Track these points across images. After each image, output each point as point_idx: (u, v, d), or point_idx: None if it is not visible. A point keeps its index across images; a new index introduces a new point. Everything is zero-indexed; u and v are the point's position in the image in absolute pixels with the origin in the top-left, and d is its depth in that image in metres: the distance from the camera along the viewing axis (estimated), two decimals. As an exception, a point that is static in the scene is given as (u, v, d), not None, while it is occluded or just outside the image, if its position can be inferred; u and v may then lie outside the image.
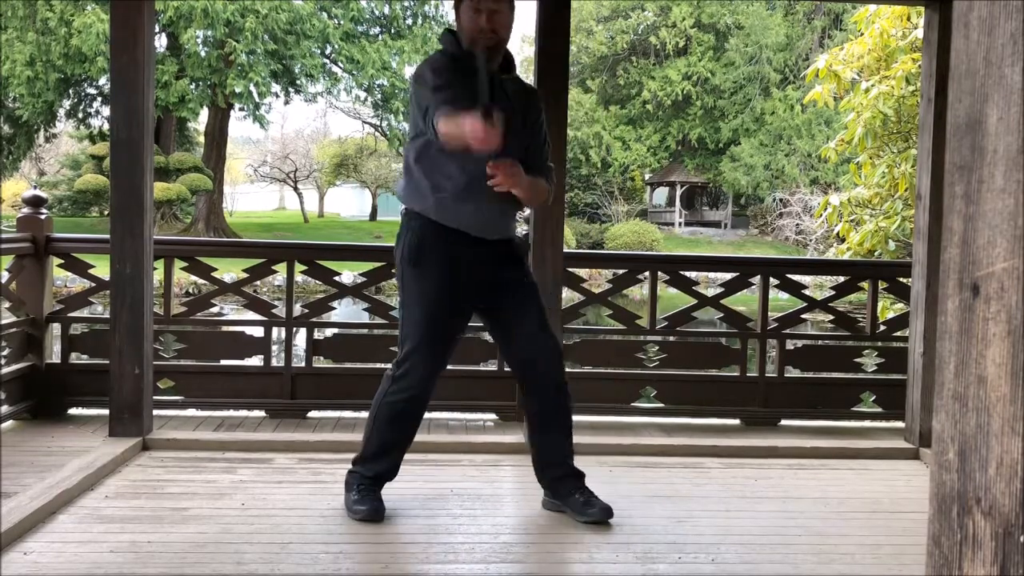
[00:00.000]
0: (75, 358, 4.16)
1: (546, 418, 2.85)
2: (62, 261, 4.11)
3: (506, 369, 4.19)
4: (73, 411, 4.06)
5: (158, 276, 3.82)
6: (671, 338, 4.37)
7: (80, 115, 25.50)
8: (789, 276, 4.38)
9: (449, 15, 26.84)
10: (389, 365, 4.27)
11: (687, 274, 4.41)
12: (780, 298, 4.81)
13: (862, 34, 6.45)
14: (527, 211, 3.52)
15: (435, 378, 2.76)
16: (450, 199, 2.68)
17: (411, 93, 2.73)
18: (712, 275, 11.38)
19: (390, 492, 2.96)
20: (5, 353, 3.83)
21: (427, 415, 4.17)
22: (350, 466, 2.84)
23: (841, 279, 4.49)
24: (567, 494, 2.82)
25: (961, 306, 0.88)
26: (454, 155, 2.60)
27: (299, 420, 4.10)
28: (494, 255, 2.76)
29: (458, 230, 2.69)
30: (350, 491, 2.80)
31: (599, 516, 2.76)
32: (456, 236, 2.69)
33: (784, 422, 4.26)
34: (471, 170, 2.63)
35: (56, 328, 4.14)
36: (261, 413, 4.17)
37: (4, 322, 3.86)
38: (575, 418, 4.08)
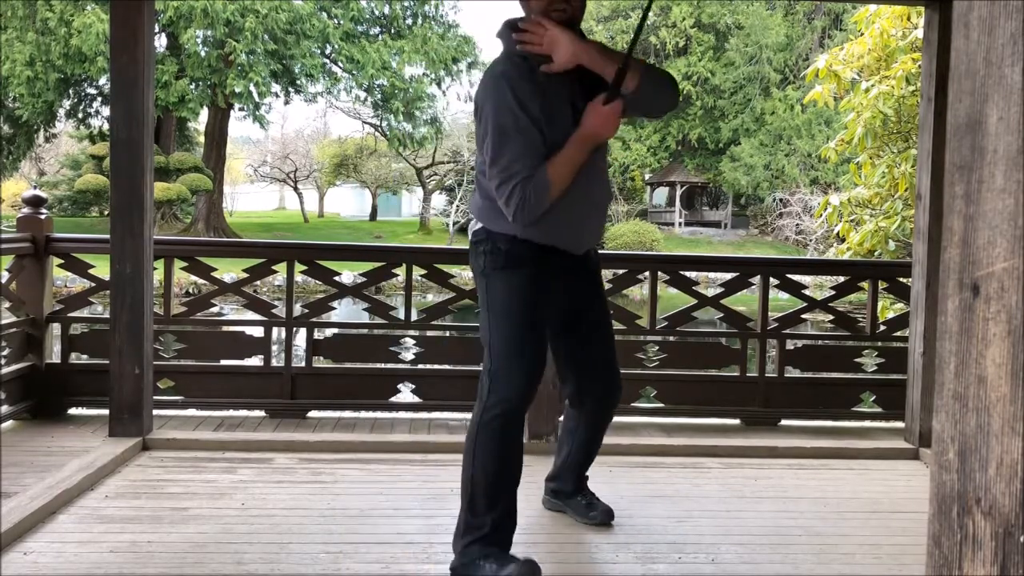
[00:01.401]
0: (75, 358, 4.16)
1: (586, 445, 2.80)
2: (62, 261, 4.11)
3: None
4: (73, 411, 4.06)
5: (158, 276, 3.82)
6: (671, 338, 4.37)
7: (80, 115, 25.51)
8: (789, 276, 4.38)
9: (449, 15, 26.86)
10: (383, 364, 4.33)
11: (687, 274, 4.41)
12: (780, 298, 4.81)
13: (862, 34, 6.45)
14: None
15: (529, 397, 2.39)
16: (548, 212, 2.37)
17: (485, 122, 2.33)
18: (712, 275, 11.39)
19: (391, 492, 2.96)
20: (5, 353, 3.83)
21: (427, 415, 4.22)
22: (461, 546, 2.34)
23: (841, 279, 4.48)
24: (570, 496, 2.85)
25: (961, 306, 0.88)
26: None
27: (299, 420, 4.10)
28: (576, 270, 2.55)
29: (542, 244, 2.42)
30: (470, 566, 2.30)
31: (601, 519, 2.77)
32: (543, 250, 2.43)
33: (784, 422, 4.26)
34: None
35: (56, 328, 4.14)
36: (261, 413, 4.16)
37: (4, 322, 3.86)
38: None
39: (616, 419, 4.18)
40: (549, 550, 2.58)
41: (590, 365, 2.65)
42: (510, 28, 2.40)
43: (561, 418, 2.94)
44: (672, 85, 2.50)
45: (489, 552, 2.29)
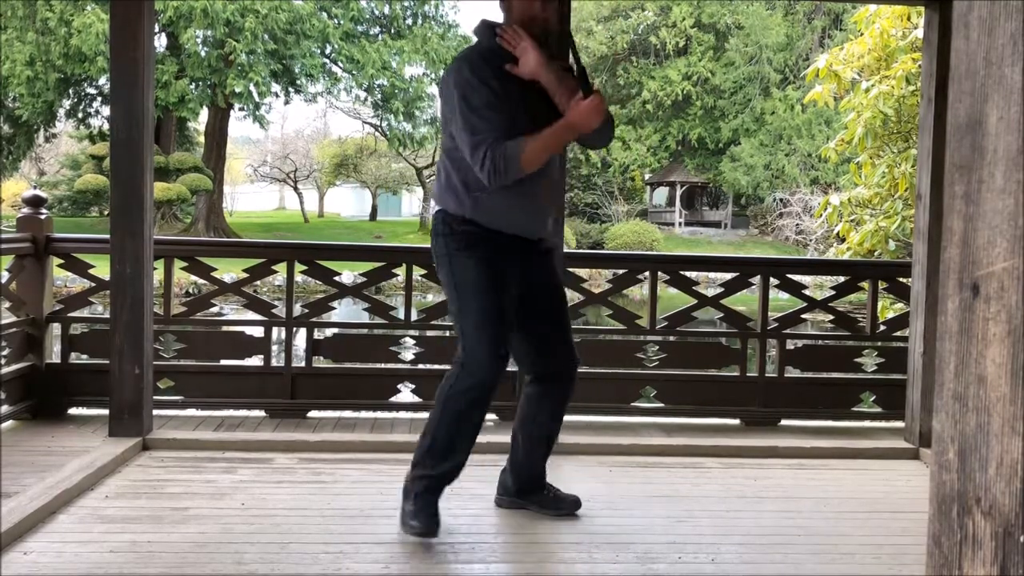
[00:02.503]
0: (75, 358, 4.16)
1: (542, 428, 2.84)
2: (62, 261, 4.11)
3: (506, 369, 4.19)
4: (73, 411, 4.06)
5: (158, 276, 3.82)
6: (671, 338, 4.37)
7: (80, 115, 25.50)
8: (789, 276, 4.38)
9: (449, 15, 26.85)
10: (384, 364, 4.33)
11: (687, 274, 4.41)
12: (780, 298, 4.81)
13: (862, 34, 6.45)
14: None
15: (499, 369, 2.60)
16: (491, 198, 2.58)
17: (451, 100, 2.56)
18: (712, 275, 11.36)
19: (391, 492, 2.96)
20: (5, 353, 3.83)
21: (427, 415, 4.20)
22: (409, 471, 2.67)
23: (841, 279, 4.48)
24: (534, 491, 2.86)
25: (961, 306, 0.88)
26: None
27: (299, 420, 4.10)
28: (529, 255, 2.69)
29: (496, 230, 2.61)
30: (408, 499, 2.62)
31: (570, 510, 2.82)
32: (496, 235, 2.61)
33: (784, 422, 4.26)
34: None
35: (56, 328, 4.14)
36: (261, 413, 4.16)
37: (4, 322, 3.86)
38: (575, 418, 4.11)
39: (616, 419, 4.22)
40: (549, 550, 2.58)
41: (548, 342, 2.77)
42: (487, 26, 2.66)
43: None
44: (612, 125, 2.73)
45: (423, 494, 2.60)
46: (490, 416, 4.23)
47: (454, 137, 2.59)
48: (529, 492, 2.86)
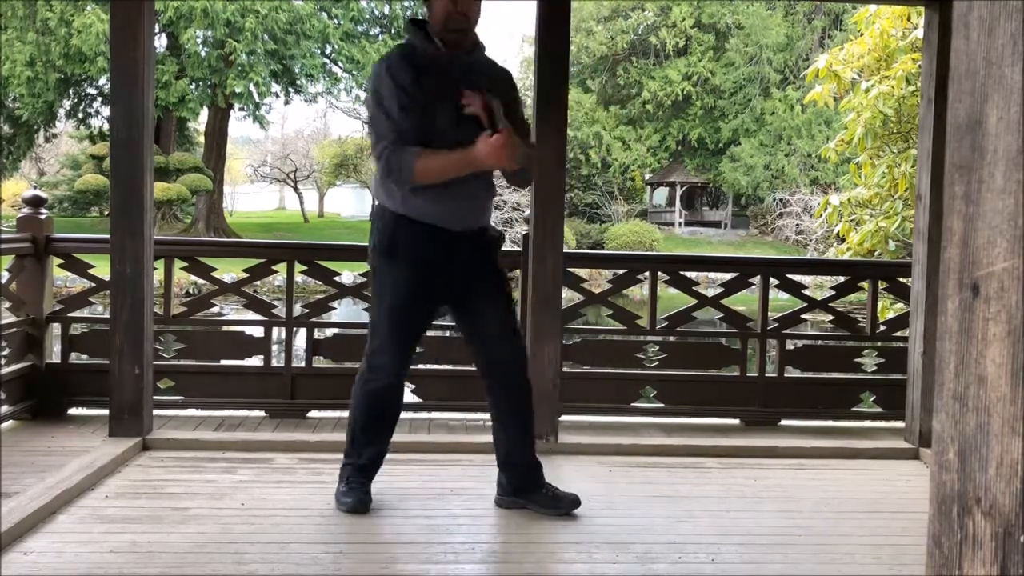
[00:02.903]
0: (75, 358, 4.16)
1: (510, 418, 2.89)
2: (62, 261, 4.11)
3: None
4: (73, 411, 4.06)
5: (158, 276, 3.82)
6: (671, 338, 4.37)
7: (80, 115, 25.49)
8: (789, 276, 4.38)
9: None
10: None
11: (687, 274, 4.41)
12: (780, 298, 4.81)
13: (862, 34, 6.45)
14: (527, 212, 3.53)
15: (405, 367, 2.85)
16: (420, 193, 2.68)
17: (371, 96, 2.72)
18: (712, 275, 11.36)
19: (391, 492, 2.96)
20: (5, 353, 3.83)
21: (427, 415, 4.22)
22: (343, 463, 2.91)
23: (841, 279, 4.48)
24: (532, 490, 2.86)
25: (961, 306, 0.88)
26: (432, 138, 2.65)
27: (299, 420, 4.10)
28: (465, 247, 2.76)
29: (429, 224, 2.70)
30: (341, 482, 2.86)
31: (569, 509, 2.82)
32: (428, 230, 2.70)
33: (784, 422, 4.26)
34: None
35: (56, 328, 4.13)
36: (261, 413, 4.16)
37: (4, 322, 3.86)
38: (575, 418, 4.12)
39: (616, 419, 4.22)
40: (549, 550, 2.58)
41: (494, 334, 2.84)
42: (412, 25, 2.78)
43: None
44: (526, 172, 2.86)
45: (353, 476, 2.83)
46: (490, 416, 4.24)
47: None
48: (527, 490, 2.86)
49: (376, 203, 2.83)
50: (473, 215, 2.78)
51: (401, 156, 2.60)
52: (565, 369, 4.06)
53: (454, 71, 2.71)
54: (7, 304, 3.96)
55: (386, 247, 2.73)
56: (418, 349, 3.01)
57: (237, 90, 22.42)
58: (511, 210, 25.22)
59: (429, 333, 4.46)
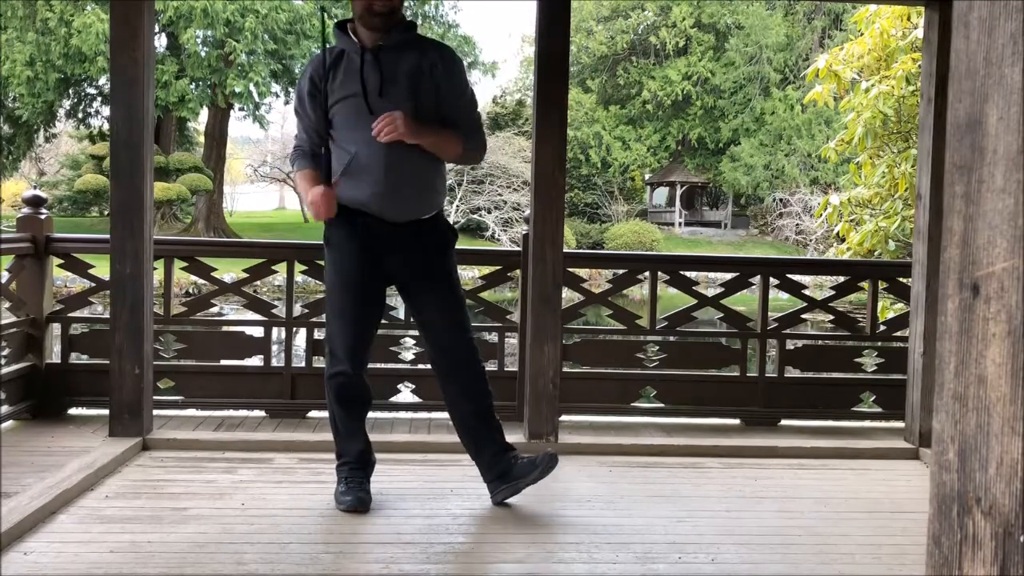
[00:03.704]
0: (75, 358, 4.16)
1: (464, 412, 2.90)
2: (62, 261, 4.11)
3: (506, 369, 4.20)
4: (73, 411, 4.06)
5: (158, 276, 3.82)
6: (671, 338, 4.37)
7: (80, 115, 25.50)
8: (789, 276, 4.38)
9: (449, 15, 26.84)
10: (383, 364, 4.33)
11: (687, 274, 4.41)
12: (780, 298, 4.81)
13: (862, 34, 6.45)
14: (527, 211, 3.52)
15: (357, 359, 2.83)
16: (348, 177, 2.74)
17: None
18: (712, 275, 11.38)
19: (391, 491, 2.96)
20: (5, 353, 3.83)
21: (427, 415, 4.22)
22: (337, 464, 2.94)
23: (841, 279, 4.48)
24: (509, 468, 2.86)
25: (961, 306, 0.88)
26: (349, 131, 2.72)
27: (299, 420, 4.10)
28: (403, 238, 2.78)
29: (360, 211, 2.76)
30: (340, 482, 2.89)
31: (548, 463, 2.83)
32: (357, 218, 2.76)
33: (784, 422, 4.26)
34: (363, 150, 2.71)
35: (56, 328, 4.13)
36: (261, 413, 4.16)
37: (4, 322, 3.86)
38: (575, 418, 4.12)
39: (616, 419, 4.22)
40: (549, 550, 2.58)
41: (436, 325, 2.87)
42: (337, 26, 2.87)
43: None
44: (480, 149, 2.93)
45: (351, 475, 2.86)
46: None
47: None
48: (506, 473, 2.87)
49: None
50: (401, 205, 2.76)
51: (294, 162, 2.91)
52: (565, 369, 4.06)
53: (364, 64, 2.74)
54: (7, 304, 3.96)
55: (325, 236, 2.86)
56: (372, 346, 2.99)
57: (237, 90, 22.43)
58: (511, 210, 25.23)
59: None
